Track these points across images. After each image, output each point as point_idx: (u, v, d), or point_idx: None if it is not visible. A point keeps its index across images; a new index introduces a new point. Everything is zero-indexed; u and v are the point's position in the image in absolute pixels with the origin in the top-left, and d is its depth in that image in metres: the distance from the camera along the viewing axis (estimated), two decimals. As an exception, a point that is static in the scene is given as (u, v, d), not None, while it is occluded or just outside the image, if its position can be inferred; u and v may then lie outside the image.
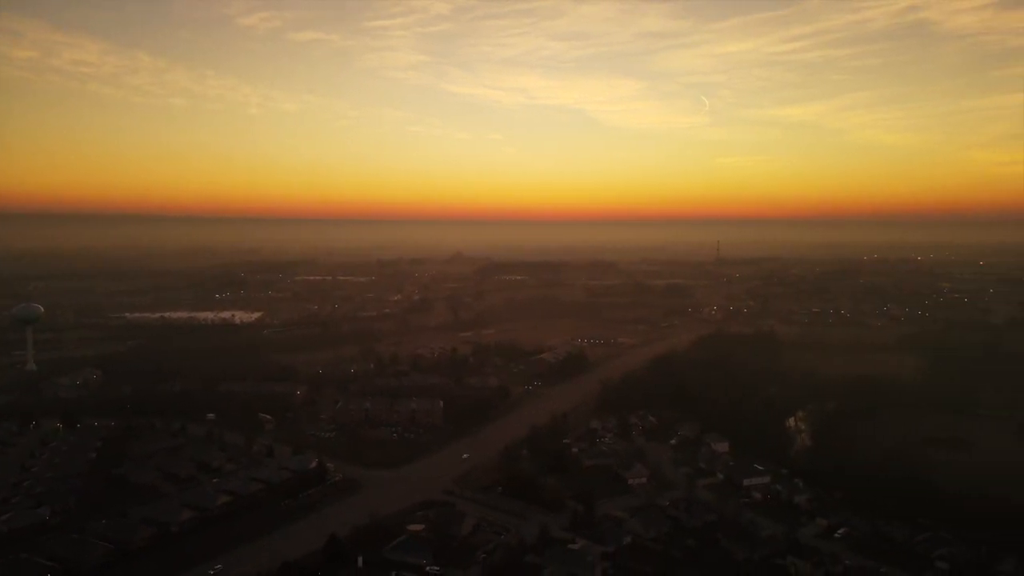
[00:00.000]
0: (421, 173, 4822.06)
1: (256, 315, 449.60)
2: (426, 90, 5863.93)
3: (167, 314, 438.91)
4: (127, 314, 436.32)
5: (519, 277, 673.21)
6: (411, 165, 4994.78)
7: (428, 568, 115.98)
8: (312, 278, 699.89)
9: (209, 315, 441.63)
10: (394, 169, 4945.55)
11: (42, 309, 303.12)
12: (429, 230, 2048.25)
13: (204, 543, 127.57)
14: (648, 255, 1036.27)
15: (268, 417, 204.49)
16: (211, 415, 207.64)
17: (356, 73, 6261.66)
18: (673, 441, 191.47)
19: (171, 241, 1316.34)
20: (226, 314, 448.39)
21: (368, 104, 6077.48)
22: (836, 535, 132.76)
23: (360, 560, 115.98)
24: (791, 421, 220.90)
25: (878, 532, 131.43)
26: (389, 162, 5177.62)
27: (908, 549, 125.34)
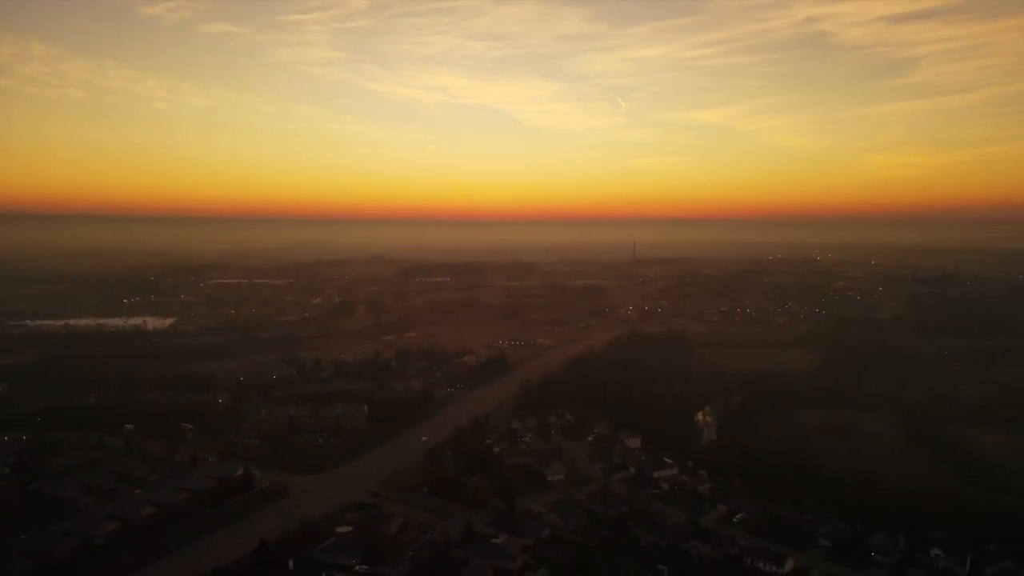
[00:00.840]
0: (338, 171, 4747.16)
1: (169, 321, 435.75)
2: (343, 87, 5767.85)
3: (73, 321, 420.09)
4: (28, 322, 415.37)
5: (440, 279, 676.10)
6: (328, 163, 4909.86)
7: (357, 567, 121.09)
8: (227, 281, 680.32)
9: (119, 322, 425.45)
10: (310, 167, 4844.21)
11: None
12: (347, 230, 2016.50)
13: (130, 554, 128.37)
14: (567, 255, 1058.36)
15: (189, 426, 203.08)
16: (129, 426, 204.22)
17: (270, 68, 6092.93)
18: (589, 439, 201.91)
19: (69, 242, 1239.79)
20: (137, 320, 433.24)
21: (283, 100, 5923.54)
22: (734, 519, 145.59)
23: (291, 563, 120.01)
24: (699, 416, 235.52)
25: (770, 515, 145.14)
26: (305, 160, 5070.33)
27: (796, 528, 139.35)
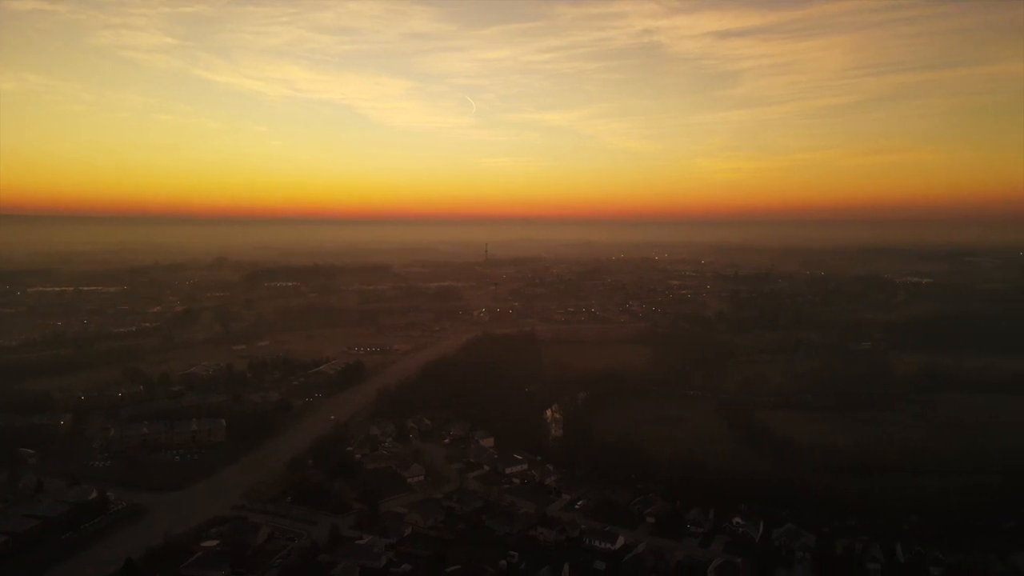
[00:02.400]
0: (172, 165, 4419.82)
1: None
2: (176, 76, 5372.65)
3: None
4: None
5: (290, 283, 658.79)
6: (159, 156, 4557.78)
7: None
8: (51, 289, 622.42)
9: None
10: (138, 160, 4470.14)
11: None
12: (186, 230, 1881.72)
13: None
14: (420, 256, 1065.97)
15: (30, 451, 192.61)
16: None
17: (88, 52, 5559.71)
18: (446, 440, 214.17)
19: None
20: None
21: (105, 87, 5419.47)
22: (576, 506, 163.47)
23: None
24: (547, 413, 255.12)
25: (607, 499, 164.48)
26: (132, 152, 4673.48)
27: (627, 510, 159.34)
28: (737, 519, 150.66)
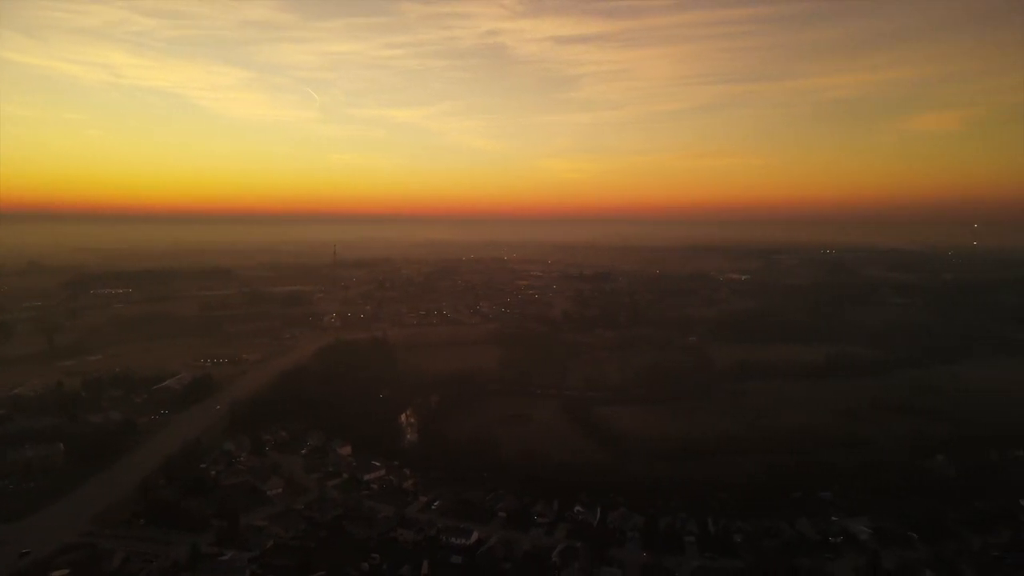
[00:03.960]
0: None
1: None
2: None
3: None
4: None
5: (120, 290, 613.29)
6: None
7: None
8: None
9: None
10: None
11: None
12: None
13: None
14: (264, 259, 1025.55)
15: None
16: None
17: None
18: (303, 451, 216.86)
19: None
20: None
21: None
22: (433, 507, 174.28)
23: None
24: (402, 418, 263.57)
25: (462, 498, 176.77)
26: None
27: (481, 506, 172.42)
28: (578, 507, 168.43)
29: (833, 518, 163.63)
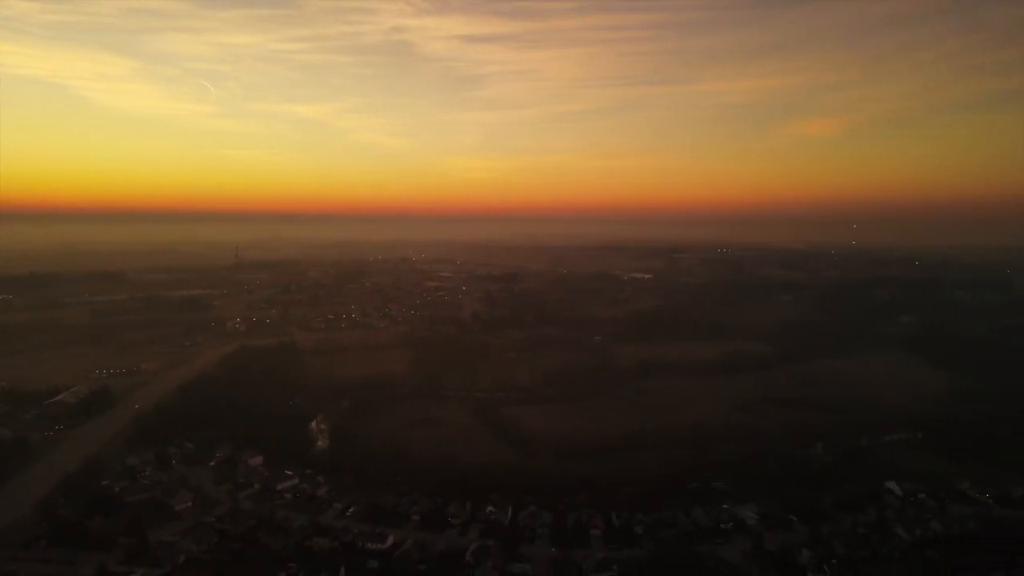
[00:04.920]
0: None
1: None
2: None
3: None
4: None
5: (0, 296, 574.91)
6: None
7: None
8: None
9: None
10: None
11: None
12: None
13: None
14: (161, 260, 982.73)
15: None
16: None
17: None
18: (212, 463, 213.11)
19: None
20: None
21: None
22: (348, 513, 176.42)
23: None
24: (313, 424, 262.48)
25: (375, 503, 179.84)
26: None
27: (395, 511, 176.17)
28: (490, 508, 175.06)
29: (724, 506, 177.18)
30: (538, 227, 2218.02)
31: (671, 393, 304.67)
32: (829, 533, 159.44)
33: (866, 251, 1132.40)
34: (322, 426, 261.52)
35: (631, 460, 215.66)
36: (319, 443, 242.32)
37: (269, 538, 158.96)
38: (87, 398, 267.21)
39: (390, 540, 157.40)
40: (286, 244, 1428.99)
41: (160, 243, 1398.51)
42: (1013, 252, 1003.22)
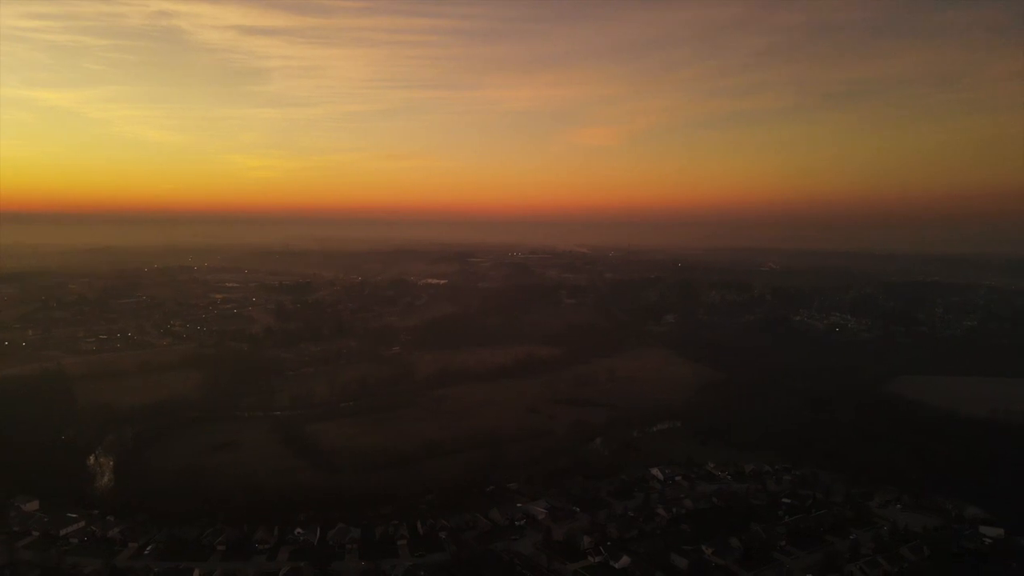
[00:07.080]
0: None
1: None
2: None
3: None
4: None
5: None
6: None
7: None
8: None
9: None
10: None
11: None
12: None
13: None
14: None
15: None
16: None
17: None
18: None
19: None
20: None
21: None
22: (146, 552, 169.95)
23: None
24: (93, 460, 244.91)
25: (176, 537, 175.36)
26: None
27: (198, 543, 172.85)
28: (298, 529, 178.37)
29: (518, 504, 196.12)
30: (327, 229, 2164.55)
31: (468, 399, 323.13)
32: (605, 518, 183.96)
33: (639, 253, 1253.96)
34: (103, 460, 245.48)
35: (433, 468, 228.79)
36: (103, 480, 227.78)
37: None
38: None
39: (196, 574, 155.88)
40: (34, 250, 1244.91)
41: None
42: (755, 252, 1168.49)
